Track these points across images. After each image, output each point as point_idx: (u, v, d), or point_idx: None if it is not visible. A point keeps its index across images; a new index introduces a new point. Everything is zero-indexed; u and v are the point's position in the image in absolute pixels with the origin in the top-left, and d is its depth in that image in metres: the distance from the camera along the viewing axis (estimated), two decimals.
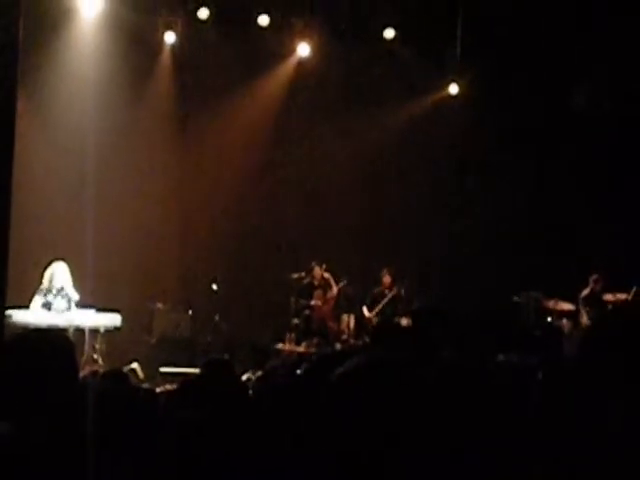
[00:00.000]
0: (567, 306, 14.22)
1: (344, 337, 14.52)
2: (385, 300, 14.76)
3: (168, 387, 5.98)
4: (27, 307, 11.95)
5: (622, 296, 13.80)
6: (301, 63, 15.60)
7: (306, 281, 14.81)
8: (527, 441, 2.93)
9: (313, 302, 14.77)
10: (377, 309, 14.73)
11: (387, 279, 14.87)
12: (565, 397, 3.32)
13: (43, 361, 2.97)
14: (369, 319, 14.69)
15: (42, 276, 12.17)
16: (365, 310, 14.86)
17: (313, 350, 13.77)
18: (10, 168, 7.89)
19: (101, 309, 12.40)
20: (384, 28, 15.57)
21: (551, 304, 14.19)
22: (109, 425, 2.76)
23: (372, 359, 2.75)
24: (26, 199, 11.89)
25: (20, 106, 8.57)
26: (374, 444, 2.45)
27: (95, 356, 12.13)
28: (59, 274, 12.19)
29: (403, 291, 14.76)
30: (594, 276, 14.06)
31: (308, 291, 14.85)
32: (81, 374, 6.46)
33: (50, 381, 2.93)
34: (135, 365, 12.41)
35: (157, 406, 3.64)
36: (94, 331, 12.25)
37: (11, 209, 8.02)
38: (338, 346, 13.91)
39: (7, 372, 2.98)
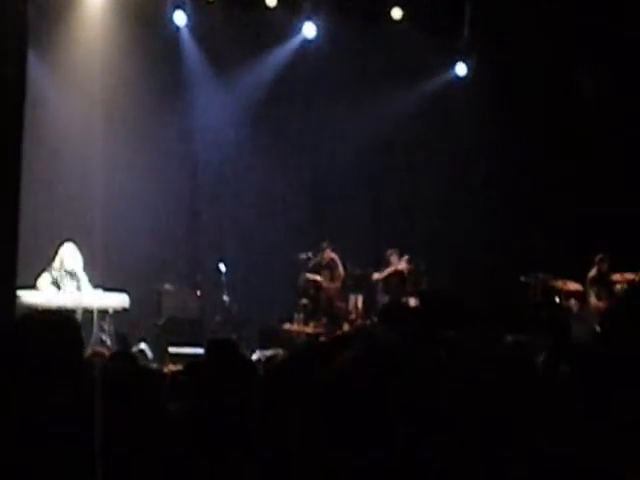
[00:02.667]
0: (575, 286, 14.22)
1: (352, 317, 14.53)
2: (390, 270, 14.76)
3: (173, 368, 6.00)
4: (33, 287, 11.97)
5: (630, 276, 13.79)
6: (307, 43, 15.53)
7: (314, 261, 14.80)
8: (532, 420, 2.93)
9: (320, 279, 14.71)
10: (385, 274, 14.76)
11: (394, 259, 14.85)
12: (576, 378, 3.32)
13: (48, 342, 2.98)
14: (377, 280, 14.81)
15: (54, 255, 12.19)
16: (375, 274, 14.87)
17: (321, 330, 13.80)
18: (19, 152, 7.93)
19: (109, 290, 12.44)
20: (391, 7, 15.50)
21: (559, 284, 14.18)
22: (114, 406, 2.77)
23: (375, 343, 2.75)
24: (34, 179, 11.89)
25: (31, 88, 8.59)
26: (380, 429, 2.46)
27: (104, 337, 12.16)
28: (71, 256, 12.21)
29: (411, 271, 14.76)
30: (599, 256, 14.05)
31: (316, 271, 14.84)
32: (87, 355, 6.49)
33: (55, 362, 2.94)
34: (144, 346, 12.45)
35: (163, 387, 3.65)
36: (102, 312, 12.27)
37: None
38: (346, 326, 13.92)
39: (12, 353, 2.99)
